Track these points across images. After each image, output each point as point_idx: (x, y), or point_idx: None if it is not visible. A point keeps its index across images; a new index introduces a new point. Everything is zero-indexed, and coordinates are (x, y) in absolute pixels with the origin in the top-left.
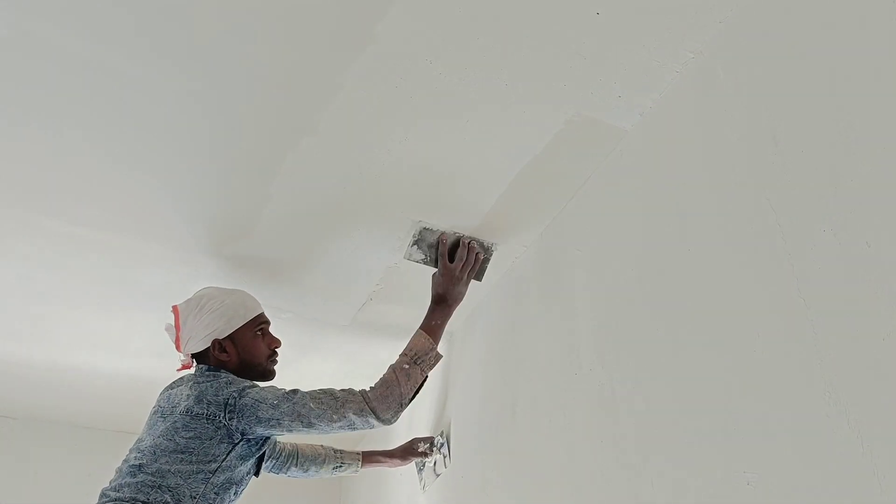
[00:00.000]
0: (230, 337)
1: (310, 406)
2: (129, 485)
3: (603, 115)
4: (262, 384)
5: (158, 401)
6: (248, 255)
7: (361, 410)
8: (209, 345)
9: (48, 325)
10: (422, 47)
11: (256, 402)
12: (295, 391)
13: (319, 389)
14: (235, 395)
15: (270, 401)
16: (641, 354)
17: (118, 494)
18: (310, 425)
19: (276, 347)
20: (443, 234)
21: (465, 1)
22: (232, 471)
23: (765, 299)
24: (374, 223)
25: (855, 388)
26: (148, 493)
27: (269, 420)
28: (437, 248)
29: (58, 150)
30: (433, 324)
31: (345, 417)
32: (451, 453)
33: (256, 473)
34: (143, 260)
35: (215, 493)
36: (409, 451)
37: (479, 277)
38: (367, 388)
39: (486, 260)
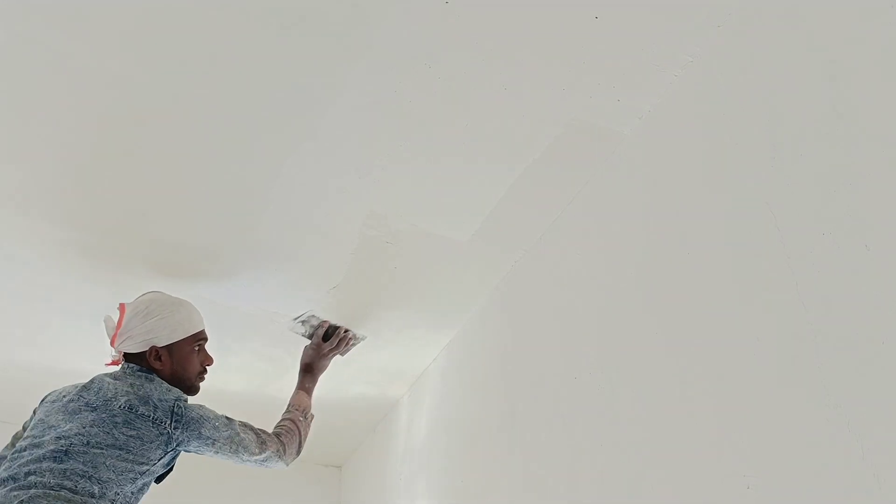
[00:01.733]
0: (168, 347)
1: (241, 437)
2: (52, 470)
3: (601, 120)
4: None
5: (72, 395)
6: (244, 258)
7: (277, 452)
8: (146, 349)
9: (48, 330)
10: (420, 51)
11: (201, 419)
12: (230, 419)
13: (244, 423)
14: (181, 405)
15: (213, 422)
16: (641, 359)
17: (39, 479)
18: (235, 453)
19: (208, 365)
20: (325, 321)
21: (465, 6)
22: (153, 476)
23: (764, 303)
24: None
25: (854, 392)
26: (76, 481)
27: (207, 438)
28: (316, 328)
29: (56, 154)
30: (307, 386)
31: (264, 453)
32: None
33: (158, 481)
34: (141, 265)
35: (133, 494)
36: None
37: (343, 354)
38: (277, 434)
39: (355, 345)
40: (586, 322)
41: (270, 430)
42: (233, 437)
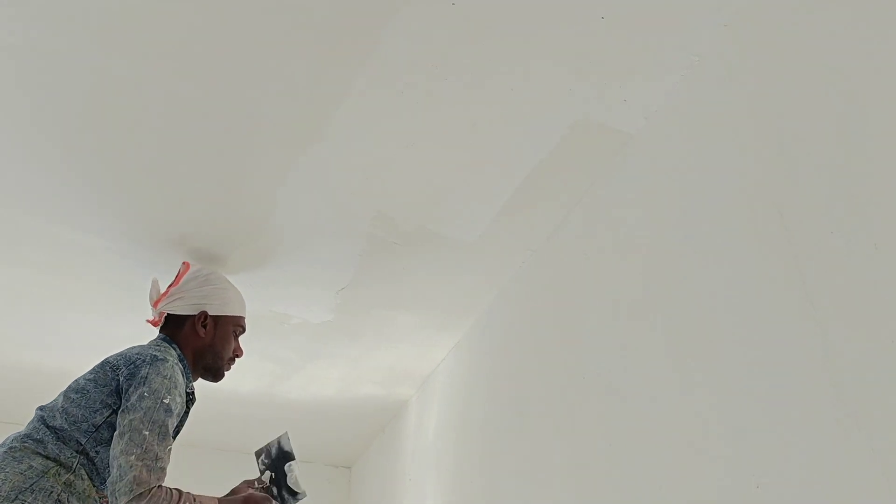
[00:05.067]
0: (216, 318)
1: (142, 440)
2: (30, 424)
3: (608, 119)
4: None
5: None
6: (253, 260)
7: (132, 494)
8: (196, 313)
9: (57, 331)
10: (427, 52)
11: (145, 381)
12: (162, 425)
13: (158, 455)
14: (146, 361)
15: (150, 399)
16: (649, 358)
17: (15, 434)
18: (120, 439)
19: (238, 356)
20: (266, 483)
21: (472, 7)
22: (108, 444)
23: (772, 302)
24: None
25: (864, 391)
26: (40, 429)
27: (130, 406)
28: (265, 482)
29: (65, 158)
30: (223, 498)
31: (124, 477)
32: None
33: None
34: (150, 266)
35: (96, 451)
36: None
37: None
38: (154, 491)
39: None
40: (594, 322)
41: (164, 487)
42: (138, 427)
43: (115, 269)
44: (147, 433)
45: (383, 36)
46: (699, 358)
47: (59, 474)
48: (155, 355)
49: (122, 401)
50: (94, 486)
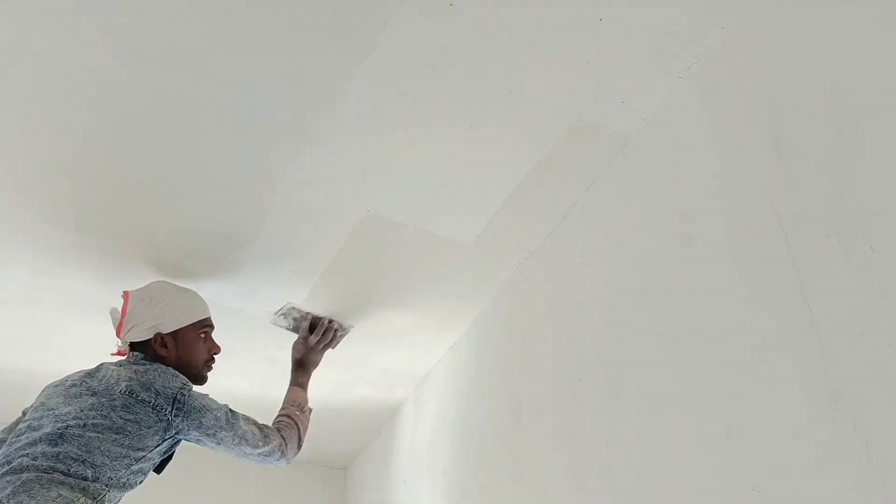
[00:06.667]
0: (173, 334)
1: (244, 429)
2: (45, 454)
3: (606, 121)
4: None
5: (75, 379)
6: (248, 263)
7: (280, 447)
8: (151, 336)
9: (53, 334)
10: (425, 53)
11: (203, 409)
12: (234, 411)
13: (247, 417)
14: (185, 392)
15: (216, 412)
16: (645, 361)
17: (31, 462)
18: (237, 446)
19: (216, 353)
20: (308, 313)
21: (470, 8)
22: (149, 462)
23: (770, 305)
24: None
25: (860, 394)
26: (69, 464)
27: (208, 429)
28: (299, 321)
29: (61, 158)
30: (301, 381)
31: (267, 446)
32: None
33: (158, 471)
34: (147, 268)
35: (127, 480)
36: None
37: (333, 346)
38: (276, 429)
39: (342, 336)
40: (590, 324)
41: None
42: (235, 428)
43: (111, 271)
44: (230, 432)
45: (381, 37)
46: (696, 360)
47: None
48: (183, 384)
49: (193, 433)
50: None
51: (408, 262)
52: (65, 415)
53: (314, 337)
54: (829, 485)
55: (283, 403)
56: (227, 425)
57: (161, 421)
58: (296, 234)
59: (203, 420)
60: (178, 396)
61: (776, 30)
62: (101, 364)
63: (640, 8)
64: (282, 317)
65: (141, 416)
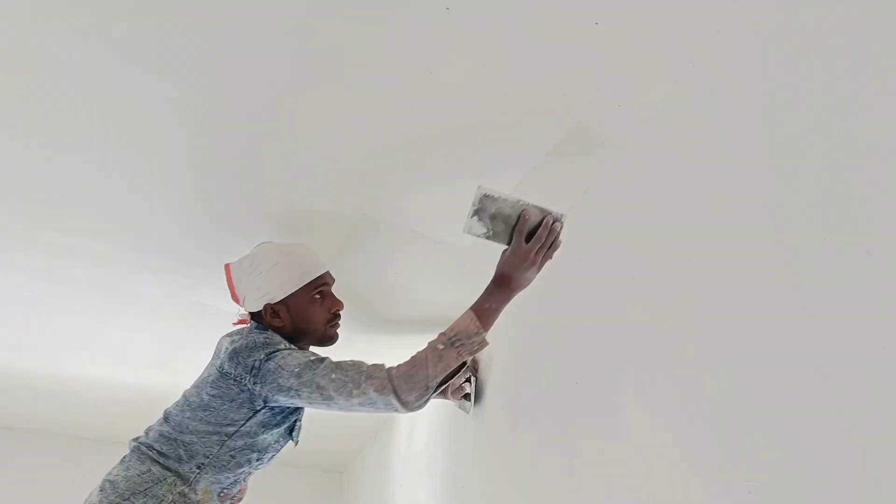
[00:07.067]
0: (283, 302)
1: (331, 377)
2: (154, 431)
3: (602, 125)
4: (315, 348)
5: (217, 348)
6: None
7: (383, 388)
8: (261, 308)
9: (48, 335)
10: (421, 57)
11: (279, 369)
12: (322, 359)
13: (349, 360)
14: (263, 357)
15: (292, 368)
16: (641, 365)
17: (146, 438)
18: (328, 399)
19: (338, 310)
20: (525, 209)
21: (466, 11)
22: (252, 437)
23: (765, 308)
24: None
25: (855, 397)
26: (163, 444)
27: (288, 390)
28: (504, 221)
29: (57, 162)
30: (486, 306)
31: (364, 394)
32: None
33: (294, 440)
34: (142, 271)
35: (231, 456)
36: (456, 389)
37: (551, 255)
38: (390, 368)
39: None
40: (587, 328)
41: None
42: (315, 380)
43: (106, 275)
44: (310, 388)
45: (376, 41)
46: (691, 364)
47: (174, 485)
48: (270, 350)
49: (280, 397)
50: (212, 494)
51: (403, 265)
52: (186, 391)
53: (534, 244)
54: (825, 488)
55: (444, 329)
56: (307, 381)
57: (243, 392)
58: (289, 238)
59: (280, 381)
60: (256, 363)
61: (771, 33)
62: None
63: (636, 12)
64: (475, 218)
65: (224, 390)
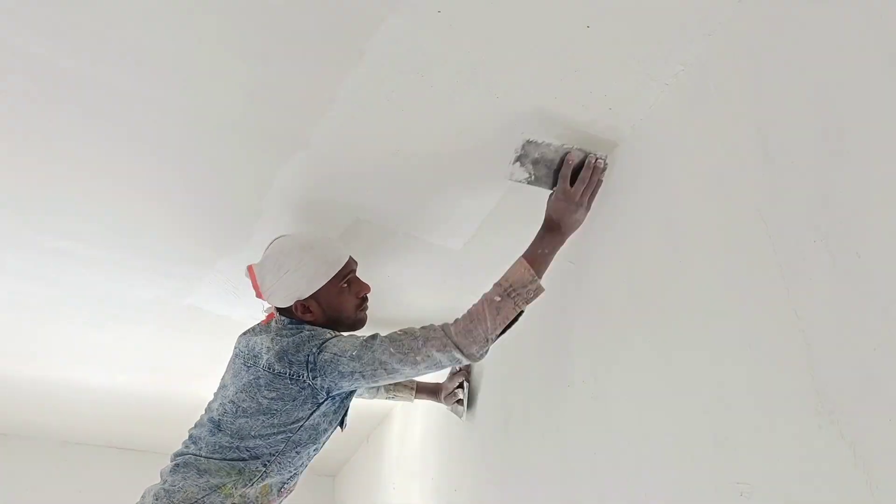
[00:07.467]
0: (313, 296)
1: (390, 351)
2: (207, 442)
3: (593, 128)
4: (345, 334)
5: (237, 345)
6: (236, 270)
7: (444, 346)
8: (291, 305)
9: (38, 339)
10: (413, 60)
11: (336, 357)
12: (374, 336)
13: (399, 330)
14: (315, 351)
15: (350, 352)
16: (633, 367)
17: (196, 448)
18: (394, 371)
19: (366, 294)
20: (568, 153)
21: (457, 15)
22: (315, 428)
23: (756, 310)
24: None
25: (847, 399)
26: (225, 452)
27: (351, 374)
28: (547, 166)
29: (49, 166)
30: (539, 252)
31: (429, 357)
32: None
33: (342, 425)
34: (133, 274)
35: (296, 451)
36: (449, 394)
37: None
38: (452, 322)
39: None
40: (579, 330)
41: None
42: (377, 358)
43: (97, 278)
44: (373, 366)
45: (368, 44)
46: (682, 366)
47: (235, 486)
48: (315, 346)
49: (344, 384)
50: (271, 489)
51: (396, 268)
52: (227, 396)
53: (579, 185)
54: (815, 489)
55: (498, 280)
56: (369, 361)
57: (304, 389)
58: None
59: (341, 368)
60: (310, 357)
61: (762, 37)
62: (254, 327)
63: (628, 15)
64: (517, 164)
65: (282, 391)
